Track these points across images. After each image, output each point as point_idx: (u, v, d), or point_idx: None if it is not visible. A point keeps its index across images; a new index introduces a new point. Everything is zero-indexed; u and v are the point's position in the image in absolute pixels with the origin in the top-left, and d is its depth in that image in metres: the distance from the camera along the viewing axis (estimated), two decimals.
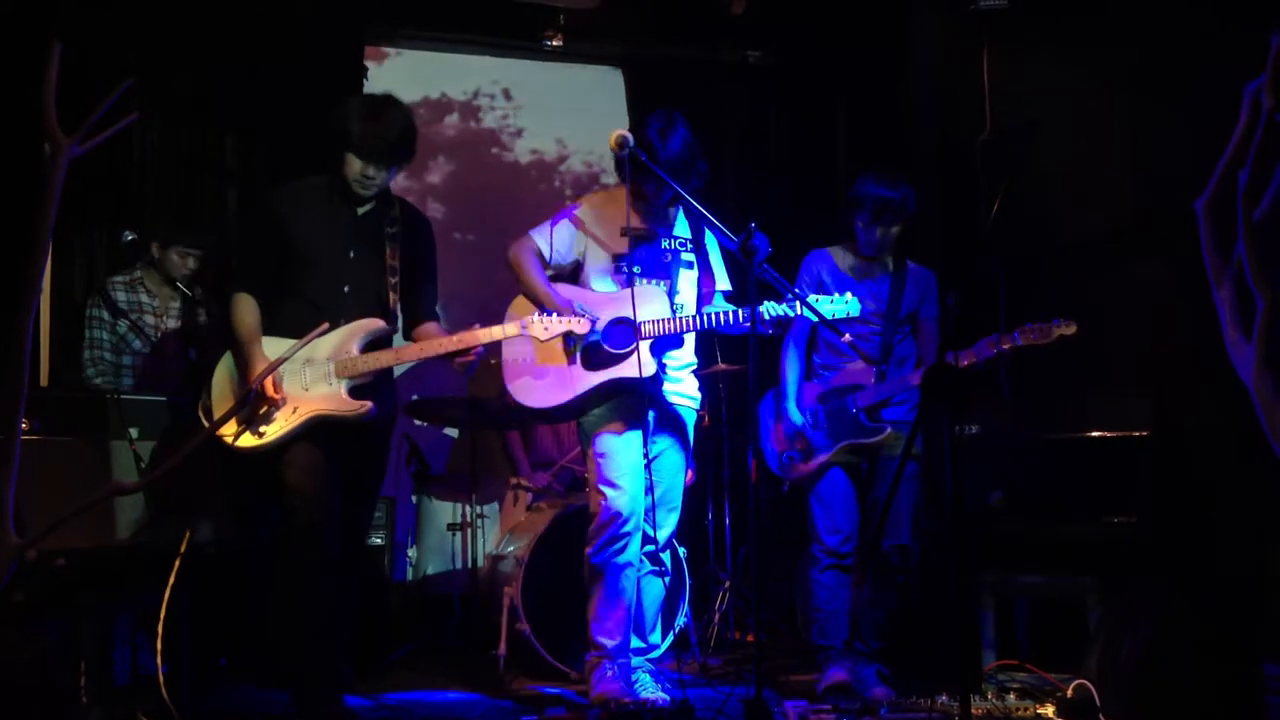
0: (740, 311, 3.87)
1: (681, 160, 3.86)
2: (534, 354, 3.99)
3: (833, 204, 4.44)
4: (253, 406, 3.58)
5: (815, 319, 3.83)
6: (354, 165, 3.70)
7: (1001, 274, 5.05)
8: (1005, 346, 4.00)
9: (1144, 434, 4.08)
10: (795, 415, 4.28)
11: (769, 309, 3.81)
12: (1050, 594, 4.34)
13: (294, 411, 3.62)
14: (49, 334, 5.06)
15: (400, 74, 6.38)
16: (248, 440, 3.59)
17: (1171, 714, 3.18)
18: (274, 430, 3.60)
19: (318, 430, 3.64)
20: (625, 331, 3.91)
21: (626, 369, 3.88)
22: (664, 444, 4.08)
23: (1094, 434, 4.17)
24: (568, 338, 3.92)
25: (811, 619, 4.30)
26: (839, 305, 3.86)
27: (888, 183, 4.23)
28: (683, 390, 4.13)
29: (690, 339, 4.14)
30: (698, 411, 4.23)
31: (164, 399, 3.87)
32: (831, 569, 4.22)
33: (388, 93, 3.86)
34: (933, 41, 5.74)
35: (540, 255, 4.05)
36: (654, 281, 4.03)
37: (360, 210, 3.83)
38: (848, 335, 3.87)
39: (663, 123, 3.91)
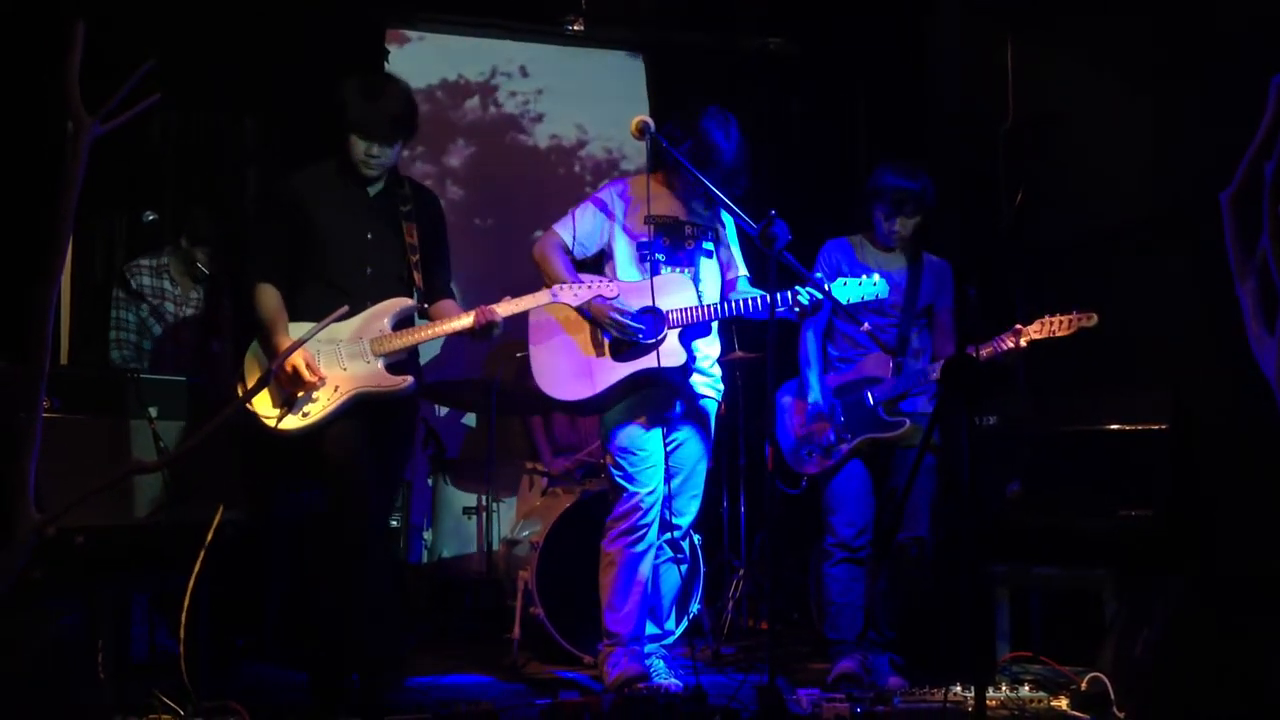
0: (763, 298, 3.86)
1: (738, 164, 3.87)
2: (563, 345, 3.98)
3: (853, 192, 4.43)
4: (291, 389, 3.59)
5: (841, 305, 3.82)
6: (358, 146, 3.72)
7: (1021, 266, 5.02)
8: (1025, 340, 3.98)
9: (1162, 427, 4.06)
10: (816, 394, 4.26)
11: (804, 295, 3.81)
12: (1066, 586, 4.32)
13: (335, 390, 3.63)
14: (69, 313, 5.09)
15: (421, 58, 6.39)
16: (292, 422, 3.59)
17: (1186, 708, 3.17)
18: (318, 410, 3.61)
19: (355, 409, 3.65)
20: (652, 320, 3.90)
21: (659, 359, 3.87)
22: (686, 433, 4.08)
23: (1111, 427, 4.15)
24: (602, 331, 3.92)
25: (824, 613, 4.29)
26: (866, 287, 3.83)
27: (907, 174, 4.21)
28: (709, 382, 4.13)
29: (714, 328, 4.14)
30: (718, 401, 4.22)
31: (184, 379, 3.88)
32: (844, 562, 4.21)
33: (386, 71, 3.87)
34: (954, 30, 5.71)
35: (565, 248, 4.04)
36: (679, 269, 4.03)
37: (372, 191, 3.84)
38: (866, 325, 3.86)
39: (722, 122, 3.91)
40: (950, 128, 5.59)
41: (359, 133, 3.69)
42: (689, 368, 3.96)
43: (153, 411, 3.68)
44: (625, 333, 3.88)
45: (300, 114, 5.60)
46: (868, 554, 4.21)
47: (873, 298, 3.85)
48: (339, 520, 3.61)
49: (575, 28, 6.36)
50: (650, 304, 3.89)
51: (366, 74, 3.89)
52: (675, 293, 3.93)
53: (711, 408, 4.17)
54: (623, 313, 3.86)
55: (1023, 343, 3.99)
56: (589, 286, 3.78)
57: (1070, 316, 3.95)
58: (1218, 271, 2.74)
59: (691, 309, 3.90)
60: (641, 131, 3.75)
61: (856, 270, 4.27)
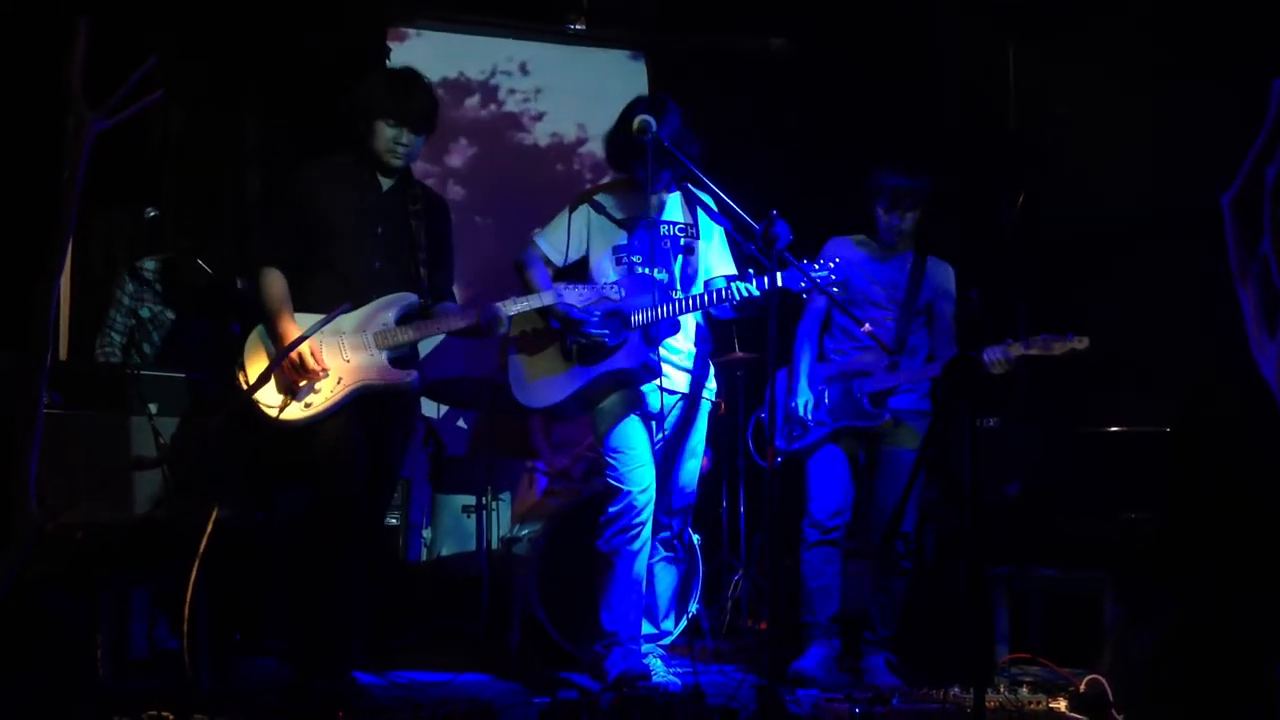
0: (721, 290, 3.85)
1: (672, 138, 3.85)
2: (535, 352, 4.02)
3: (853, 193, 4.43)
4: (294, 378, 3.57)
5: (839, 303, 3.82)
6: (385, 134, 3.70)
7: (1022, 268, 5.03)
8: (1015, 354, 3.98)
9: (1163, 429, 4.07)
10: (799, 407, 4.29)
11: (740, 288, 3.79)
12: (1065, 588, 4.33)
13: (338, 382, 3.61)
14: (69, 309, 5.08)
15: (421, 55, 6.37)
16: (294, 412, 3.57)
17: (1185, 711, 3.18)
18: (320, 401, 3.59)
19: (355, 404, 3.64)
20: (616, 324, 3.92)
21: (619, 360, 3.89)
22: (678, 431, 4.08)
23: (1112, 429, 4.15)
24: (568, 338, 3.92)
25: (798, 597, 4.33)
26: (822, 271, 3.77)
27: (905, 172, 4.25)
28: (688, 379, 4.12)
29: (689, 325, 4.12)
30: (713, 401, 4.22)
31: (183, 375, 3.87)
32: (818, 545, 4.28)
33: (410, 66, 3.90)
34: (957, 33, 5.71)
35: (545, 259, 4.07)
36: (656, 269, 4.02)
37: (385, 186, 3.84)
38: (867, 325, 3.87)
39: (649, 104, 3.91)
40: (953, 130, 5.60)
41: (391, 119, 3.68)
42: (653, 366, 3.93)
43: (153, 408, 3.68)
44: (590, 339, 3.90)
45: (303, 111, 5.60)
46: (841, 536, 4.27)
47: (823, 279, 3.76)
48: (328, 519, 3.61)
49: (577, 27, 6.36)
50: (613, 307, 3.90)
51: (395, 68, 3.91)
52: (638, 294, 3.93)
53: (704, 406, 4.17)
54: (587, 322, 3.87)
55: (1014, 356, 3.99)
56: (594, 288, 3.80)
57: (1063, 340, 3.94)
58: (1220, 274, 2.74)
59: (654, 308, 3.89)
60: (644, 131, 3.75)
61: (856, 266, 4.29)
